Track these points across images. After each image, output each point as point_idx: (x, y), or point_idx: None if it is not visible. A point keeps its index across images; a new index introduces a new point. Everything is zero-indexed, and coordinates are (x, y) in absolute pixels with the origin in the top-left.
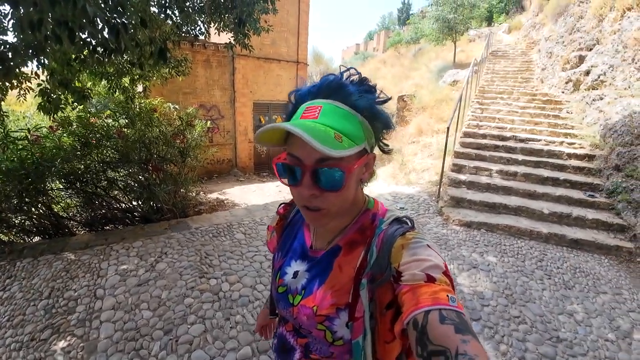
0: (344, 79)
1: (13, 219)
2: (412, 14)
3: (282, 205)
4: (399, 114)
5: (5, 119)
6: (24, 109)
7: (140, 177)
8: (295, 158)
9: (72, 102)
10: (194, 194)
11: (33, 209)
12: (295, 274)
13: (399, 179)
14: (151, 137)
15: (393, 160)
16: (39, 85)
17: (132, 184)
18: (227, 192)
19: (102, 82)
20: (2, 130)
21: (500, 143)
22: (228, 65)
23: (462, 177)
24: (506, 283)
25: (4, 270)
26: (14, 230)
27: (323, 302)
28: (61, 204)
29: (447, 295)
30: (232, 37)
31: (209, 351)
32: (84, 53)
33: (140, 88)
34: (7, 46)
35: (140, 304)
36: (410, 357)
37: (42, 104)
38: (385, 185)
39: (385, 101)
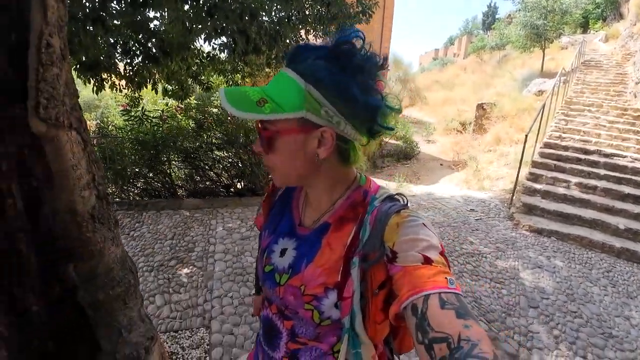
0: (323, 46)
1: (136, 183)
2: (498, 18)
3: (272, 182)
4: (477, 122)
5: (141, 100)
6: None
7: (243, 157)
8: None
9: (200, 91)
10: None
11: (157, 175)
12: (283, 252)
13: (472, 184)
14: (251, 125)
15: (467, 167)
16: (173, 74)
17: (235, 163)
18: None
19: (220, 78)
20: (141, 109)
21: (583, 156)
22: None
23: (538, 186)
24: (569, 284)
25: (133, 217)
26: (137, 190)
27: (311, 281)
28: (176, 174)
29: (446, 278)
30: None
31: None
32: (215, 53)
33: (244, 84)
34: (159, 47)
35: (244, 252)
36: (396, 339)
37: (175, 91)
38: (457, 189)
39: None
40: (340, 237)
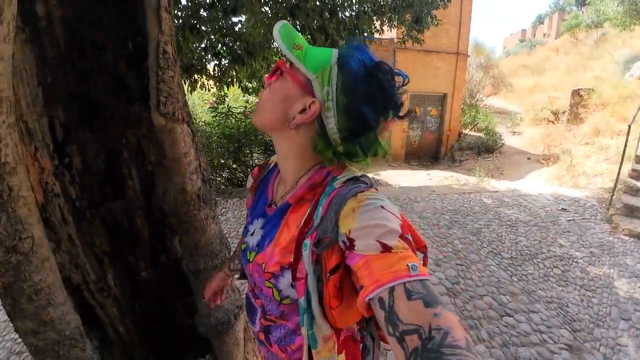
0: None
1: (222, 173)
2: None
3: (256, 167)
4: (571, 110)
5: (226, 98)
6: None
7: None
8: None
9: None
10: None
11: (241, 166)
12: (254, 232)
13: (565, 181)
14: None
15: (560, 162)
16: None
17: None
18: (381, 173)
19: None
20: (226, 106)
21: None
22: (389, 59)
23: None
24: None
25: (220, 204)
26: (222, 180)
27: (270, 260)
28: (257, 165)
29: (407, 265)
30: (403, 32)
31: None
32: None
33: None
34: (244, 48)
35: None
36: (379, 329)
37: (256, 88)
38: (547, 186)
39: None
40: (296, 218)
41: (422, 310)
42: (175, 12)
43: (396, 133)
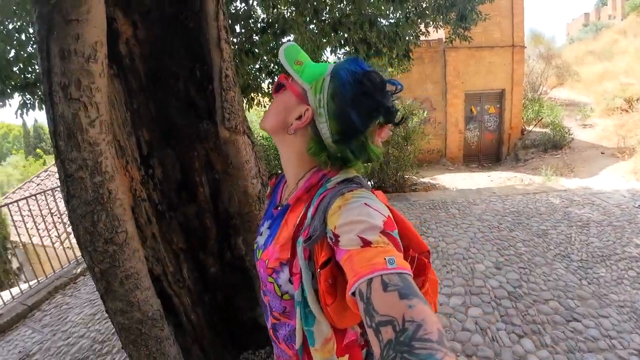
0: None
1: None
2: None
3: (273, 176)
4: None
5: None
6: None
7: None
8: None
9: None
10: (410, 175)
11: None
12: (262, 232)
13: None
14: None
15: (636, 154)
16: None
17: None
18: (438, 177)
19: None
20: None
21: None
22: (439, 59)
23: None
24: None
25: None
26: None
27: (271, 256)
28: None
29: (385, 258)
30: (450, 31)
31: None
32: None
33: None
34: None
35: None
36: None
37: None
38: (623, 182)
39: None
40: (294, 217)
41: (396, 301)
42: (232, 39)
43: (452, 135)
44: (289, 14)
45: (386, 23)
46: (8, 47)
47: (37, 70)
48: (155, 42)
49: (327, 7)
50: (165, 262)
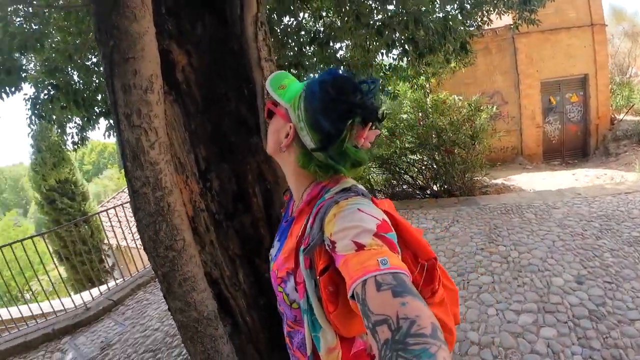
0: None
1: None
2: None
3: (285, 191)
4: None
5: None
6: None
7: (436, 158)
8: None
9: (389, 101)
10: (480, 177)
11: (357, 180)
12: (274, 245)
13: None
14: (443, 124)
15: None
16: None
17: (429, 164)
18: (512, 178)
19: (404, 84)
20: None
21: None
22: (508, 47)
23: None
24: None
25: None
26: None
27: (280, 267)
28: (374, 179)
29: (377, 260)
30: (515, 16)
31: (495, 296)
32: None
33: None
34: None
35: (438, 252)
36: None
37: None
38: None
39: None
40: (297, 229)
41: (390, 300)
42: (286, 52)
43: (529, 130)
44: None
45: (435, 18)
46: (91, 79)
47: None
48: (208, 68)
49: (368, 10)
50: (222, 266)
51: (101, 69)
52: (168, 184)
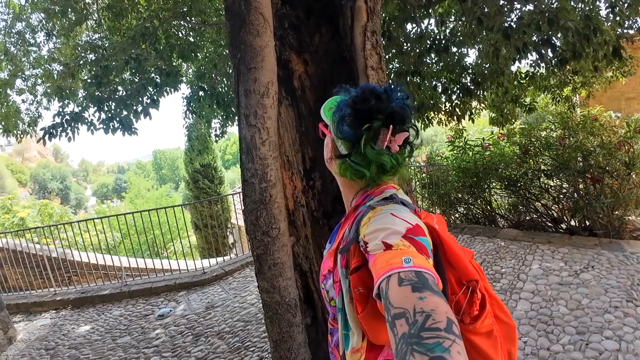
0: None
1: (458, 207)
2: None
3: None
4: None
5: (464, 131)
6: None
7: (578, 186)
8: None
9: (523, 114)
10: (633, 217)
11: (478, 201)
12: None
13: None
14: (591, 146)
15: None
16: (492, 102)
17: (567, 192)
18: None
19: (545, 95)
20: (463, 140)
21: None
22: None
23: None
24: None
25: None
26: (457, 215)
27: (324, 266)
28: (497, 202)
29: (402, 258)
30: None
31: None
32: (534, 70)
33: (576, 98)
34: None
35: (559, 299)
36: None
37: (495, 117)
38: None
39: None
40: (342, 232)
41: (409, 294)
42: (406, 59)
43: None
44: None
45: (575, 17)
46: (230, 84)
47: None
48: (322, 75)
49: (494, 13)
50: (312, 261)
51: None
52: (273, 177)
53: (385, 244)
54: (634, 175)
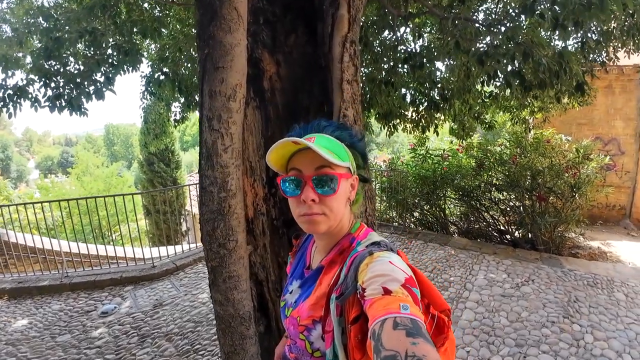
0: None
1: (414, 212)
2: None
3: (296, 235)
4: None
5: (427, 140)
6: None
7: (525, 202)
8: (297, 170)
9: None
10: (573, 235)
11: (433, 208)
12: (292, 291)
13: None
14: (541, 166)
15: None
16: (455, 116)
17: (515, 207)
18: (612, 244)
19: (503, 114)
20: (424, 148)
21: None
22: (635, 90)
23: None
24: None
25: (404, 243)
26: (413, 219)
27: (304, 314)
28: (450, 209)
29: (400, 304)
30: None
31: None
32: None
33: (532, 120)
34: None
35: (500, 310)
36: None
37: (457, 130)
38: None
39: (360, 137)
40: (328, 278)
41: (403, 338)
42: (383, 65)
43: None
44: (434, 42)
45: (549, 52)
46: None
47: None
48: (294, 78)
49: (472, 35)
50: (269, 270)
51: None
52: (233, 187)
53: (385, 289)
54: (577, 197)
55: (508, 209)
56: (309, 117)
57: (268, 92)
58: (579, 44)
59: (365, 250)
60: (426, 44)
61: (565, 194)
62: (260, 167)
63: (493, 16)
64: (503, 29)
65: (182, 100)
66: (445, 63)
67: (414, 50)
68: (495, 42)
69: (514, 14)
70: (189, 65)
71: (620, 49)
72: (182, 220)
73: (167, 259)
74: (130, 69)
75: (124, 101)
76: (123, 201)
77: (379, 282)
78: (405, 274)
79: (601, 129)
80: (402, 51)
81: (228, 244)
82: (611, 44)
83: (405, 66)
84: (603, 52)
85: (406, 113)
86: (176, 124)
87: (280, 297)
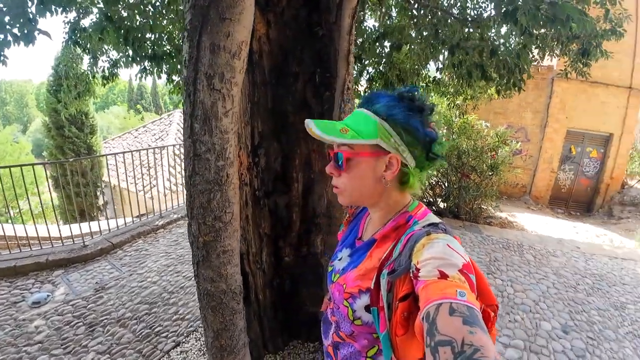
0: (391, 93)
1: None
2: None
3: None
4: None
5: None
6: None
7: (451, 178)
8: (331, 147)
9: None
10: (489, 207)
11: None
12: (342, 258)
13: None
14: (466, 148)
15: None
16: None
17: (441, 182)
18: (516, 215)
19: (442, 99)
20: None
21: None
22: (545, 88)
23: None
24: None
25: None
26: None
27: (350, 282)
28: None
29: (456, 290)
30: (567, 63)
31: None
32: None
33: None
34: (397, 75)
35: None
36: None
37: None
38: None
39: (419, 107)
40: (380, 252)
41: (459, 325)
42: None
43: (543, 173)
44: (403, 24)
45: (505, 51)
46: (139, 17)
47: (166, 46)
48: (284, 42)
49: (447, 28)
50: (250, 242)
51: (162, 9)
52: (231, 155)
53: (441, 273)
54: (494, 176)
55: (434, 183)
56: (297, 84)
57: (256, 54)
58: (522, 46)
59: (422, 230)
60: (395, 26)
61: (485, 172)
62: (245, 135)
63: (469, 12)
64: (473, 27)
65: (122, 52)
66: (409, 46)
67: (388, 29)
68: (467, 36)
69: (484, 14)
70: (146, 9)
71: (548, 53)
72: (99, 194)
73: (100, 236)
74: (61, 9)
75: (18, 53)
76: (21, 172)
77: (434, 264)
78: (463, 259)
79: (513, 118)
80: (371, 31)
81: (224, 216)
82: (545, 45)
83: (374, 45)
84: (535, 54)
85: (359, 89)
86: (105, 81)
87: (329, 263)
